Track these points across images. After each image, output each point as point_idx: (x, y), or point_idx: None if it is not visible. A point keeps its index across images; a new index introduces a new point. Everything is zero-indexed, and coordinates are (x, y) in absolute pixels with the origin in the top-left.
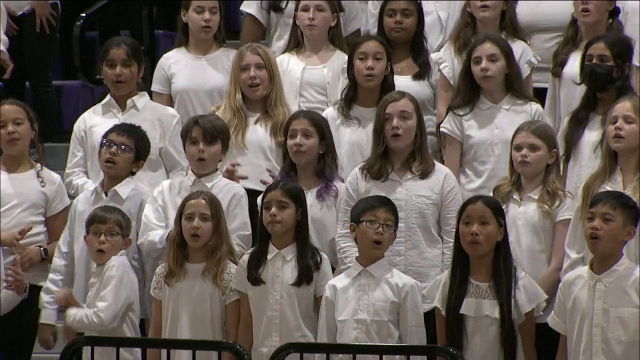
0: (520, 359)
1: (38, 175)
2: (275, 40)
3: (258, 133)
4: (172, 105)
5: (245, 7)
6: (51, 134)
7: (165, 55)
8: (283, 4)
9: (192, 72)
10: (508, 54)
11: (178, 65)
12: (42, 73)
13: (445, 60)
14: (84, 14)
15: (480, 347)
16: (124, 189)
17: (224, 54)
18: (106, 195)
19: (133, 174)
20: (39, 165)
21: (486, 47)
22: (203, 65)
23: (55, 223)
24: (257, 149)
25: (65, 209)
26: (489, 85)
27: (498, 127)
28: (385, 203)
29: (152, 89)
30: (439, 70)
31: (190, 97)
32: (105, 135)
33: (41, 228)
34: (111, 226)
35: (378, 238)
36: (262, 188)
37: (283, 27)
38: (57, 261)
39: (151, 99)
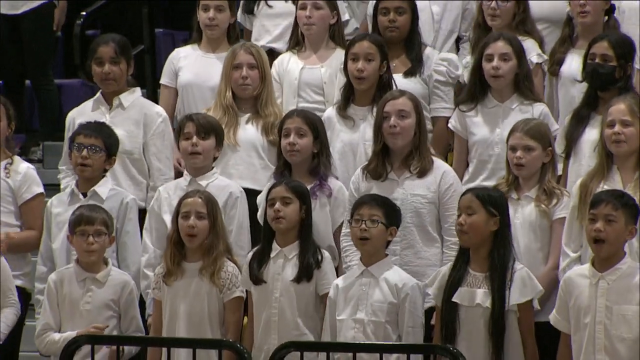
0: (513, 351)
1: (5, 168)
2: (254, 41)
3: (249, 131)
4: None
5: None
6: (52, 133)
7: (176, 50)
8: (254, 7)
9: (199, 67)
10: (520, 54)
11: (187, 60)
12: (42, 72)
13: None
14: (84, 13)
15: (470, 337)
16: (102, 189)
17: None
18: (84, 196)
19: (105, 171)
20: (11, 158)
21: (499, 46)
22: (211, 63)
23: (25, 212)
24: (249, 147)
25: (36, 197)
26: (498, 85)
27: (500, 126)
28: (371, 199)
29: (161, 81)
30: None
31: (194, 91)
32: (73, 138)
33: (13, 219)
34: (98, 227)
35: (361, 234)
36: (257, 187)
37: (259, 29)
38: (40, 269)
39: (155, 92)
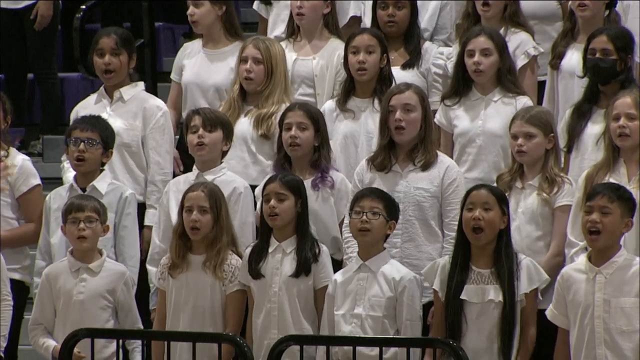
0: (516, 344)
1: (1, 160)
2: (270, 32)
3: (242, 125)
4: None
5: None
6: (54, 127)
7: (184, 45)
8: None
9: (200, 67)
10: (502, 48)
11: (190, 57)
12: (46, 65)
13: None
14: (84, 6)
15: (481, 333)
16: (101, 184)
17: (236, 48)
18: (83, 191)
19: (103, 165)
20: (7, 151)
21: (480, 41)
22: (211, 60)
23: (23, 204)
24: (241, 142)
25: (33, 189)
26: (480, 79)
27: (482, 118)
28: (372, 192)
29: (171, 77)
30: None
31: (195, 90)
32: (69, 133)
33: (10, 212)
34: (89, 214)
35: (361, 226)
36: (248, 181)
37: (274, 18)
38: (39, 263)
39: (155, 86)
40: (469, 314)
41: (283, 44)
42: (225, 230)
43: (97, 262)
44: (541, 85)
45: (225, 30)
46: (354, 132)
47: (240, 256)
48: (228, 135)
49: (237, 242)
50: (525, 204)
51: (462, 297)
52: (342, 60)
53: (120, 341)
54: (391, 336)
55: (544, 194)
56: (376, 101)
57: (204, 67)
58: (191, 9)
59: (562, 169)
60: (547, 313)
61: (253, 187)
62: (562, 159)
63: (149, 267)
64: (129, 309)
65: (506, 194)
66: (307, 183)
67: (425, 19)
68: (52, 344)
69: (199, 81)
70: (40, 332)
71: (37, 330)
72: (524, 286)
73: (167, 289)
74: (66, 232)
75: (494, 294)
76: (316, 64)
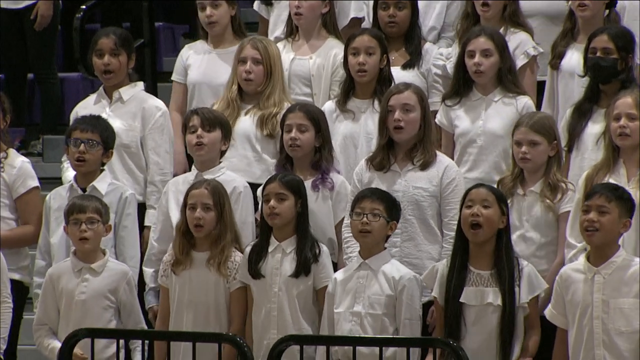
0: (517, 346)
1: (0, 162)
2: (270, 33)
3: (245, 123)
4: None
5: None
6: (54, 127)
7: (187, 45)
8: None
9: (206, 66)
10: (503, 48)
11: (195, 57)
12: (45, 65)
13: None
14: (84, 6)
15: (480, 336)
16: (101, 184)
17: None
18: (84, 191)
19: (103, 165)
20: (6, 152)
21: (480, 42)
22: (218, 59)
23: (21, 206)
24: (244, 140)
25: (31, 191)
26: (481, 80)
27: (483, 118)
28: (373, 193)
29: (172, 78)
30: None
31: (203, 90)
32: (69, 134)
33: (8, 213)
34: (91, 215)
35: (362, 227)
36: (251, 179)
37: (275, 19)
38: (39, 262)
39: (155, 86)
40: (467, 317)
41: (282, 43)
42: (229, 227)
43: (99, 262)
44: (541, 85)
45: (233, 30)
46: (354, 133)
47: (243, 253)
48: (227, 135)
49: (241, 239)
50: (529, 211)
51: (462, 299)
52: (339, 60)
53: (122, 341)
54: (391, 336)
55: (548, 201)
56: (376, 102)
57: (212, 66)
58: (209, 11)
59: (563, 171)
60: (546, 313)
61: (257, 186)
62: (563, 159)
63: (145, 268)
64: (131, 308)
65: (508, 200)
66: (308, 184)
67: (432, 17)
68: (57, 345)
69: (207, 80)
70: (45, 332)
71: (41, 331)
72: (525, 294)
73: (170, 286)
74: (68, 233)
75: (493, 297)
76: (313, 63)
